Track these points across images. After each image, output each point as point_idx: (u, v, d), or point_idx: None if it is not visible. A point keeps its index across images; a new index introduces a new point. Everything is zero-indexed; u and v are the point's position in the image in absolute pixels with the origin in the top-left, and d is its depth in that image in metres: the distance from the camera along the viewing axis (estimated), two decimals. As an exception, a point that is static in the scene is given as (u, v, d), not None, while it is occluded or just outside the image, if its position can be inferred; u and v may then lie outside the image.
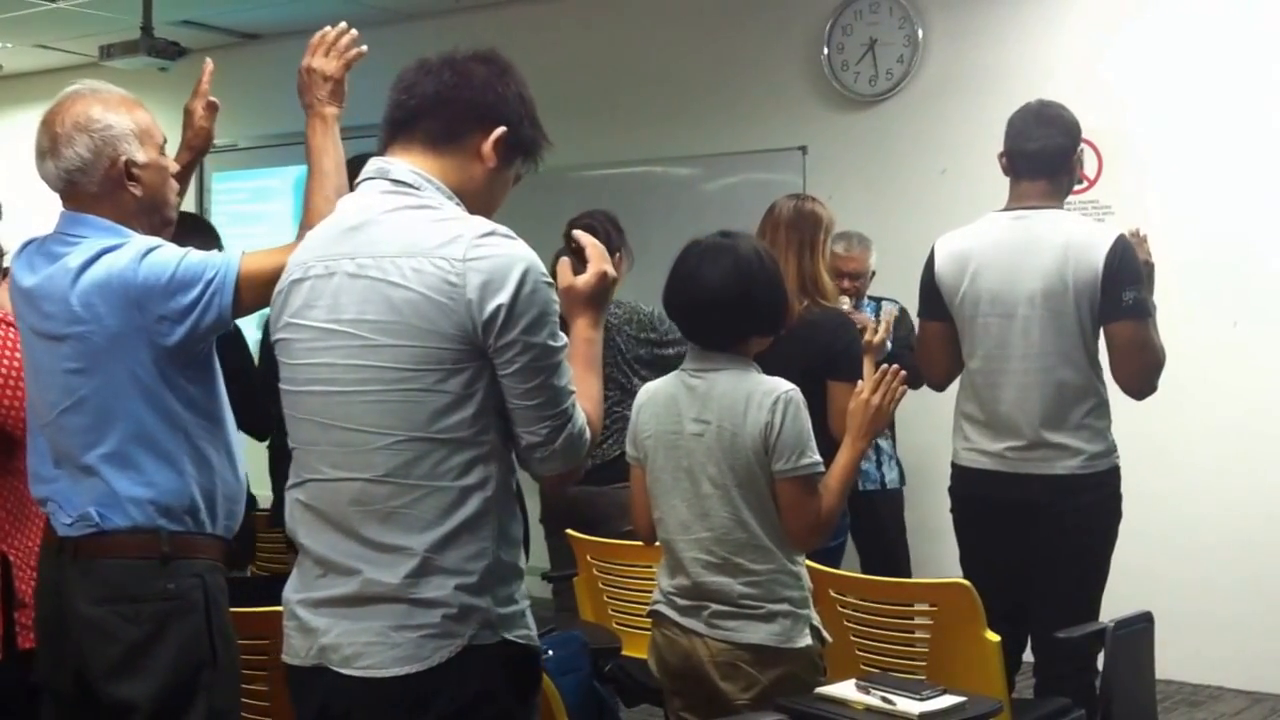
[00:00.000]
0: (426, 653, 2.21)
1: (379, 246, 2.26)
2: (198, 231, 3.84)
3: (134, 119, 2.81)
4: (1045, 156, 4.01)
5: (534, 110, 2.42)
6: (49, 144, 2.78)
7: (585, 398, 2.37)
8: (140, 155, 2.79)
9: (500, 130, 2.35)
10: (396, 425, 2.22)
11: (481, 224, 2.25)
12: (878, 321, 4.72)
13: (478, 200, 2.37)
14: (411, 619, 2.21)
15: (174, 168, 2.92)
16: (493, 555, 2.26)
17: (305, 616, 2.32)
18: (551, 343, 2.24)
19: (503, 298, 2.18)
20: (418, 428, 2.21)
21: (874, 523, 5.94)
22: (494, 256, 2.20)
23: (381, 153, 2.40)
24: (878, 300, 5.87)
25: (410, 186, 2.32)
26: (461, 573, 2.23)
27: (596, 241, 2.56)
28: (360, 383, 2.24)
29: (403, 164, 2.34)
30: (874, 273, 5.82)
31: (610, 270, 2.50)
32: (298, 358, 2.34)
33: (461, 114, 2.35)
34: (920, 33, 6.92)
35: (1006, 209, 4.06)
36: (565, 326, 2.37)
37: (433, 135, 2.35)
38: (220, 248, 3.62)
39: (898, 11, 6.98)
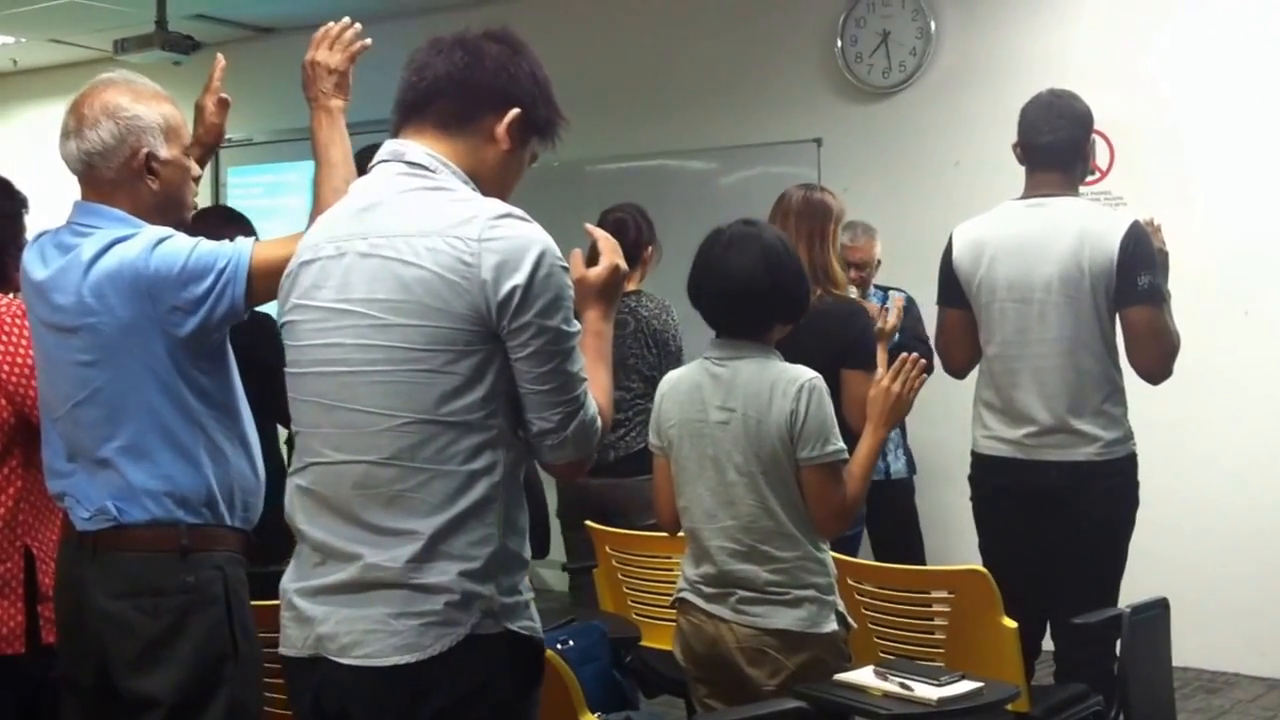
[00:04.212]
0: (427, 641, 2.16)
1: (392, 226, 2.22)
2: (233, 222, 3.86)
3: (163, 114, 2.80)
4: (1057, 148, 4.02)
5: (549, 89, 2.38)
6: (74, 125, 2.77)
7: (596, 389, 2.32)
8: (163, 151, 2.78)
9: (514, 112, 2.31)
10: (403, 407, 2.18)
11: (498, 205, 2.22)
12: (886, 310, 4.75)
13: (492, 183, 2.33)
14: (413, 605, 2.16)
15: (197, 171, 2.92)
16: (498, 542, 2.21)
17: (302, 606, 2.27)
18: (565, 327, 2.20)
19: (518, 279, 2.14)
20: (425, 410, 2.17)
21: (882, 512, 5.93)
22: (510, 238, 2.16)
23: (394, 135, 2.36)
24: (885, 290, 5.86)
25: (425, 169, 2.28)
26: (466, 558, 2.18)
27: (609, 235, 2.54)
28: (369, 363, 2.20)
29: (417, 146, 2.30)
30: (879, 261, 5.83)
31: (622, 264, 2.47)
32: (304, 339, 2.30)
33: (474, 96, 2.31)
34: (933, 25, 6.91)
35: (1022, 197, 4.07)
36: (577, 318, 2.33)
37: (445, 118, 2.31)
38: (256, 236, 3.64)
39: (910, 4, 6.97)
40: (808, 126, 7.22)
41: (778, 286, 3.20)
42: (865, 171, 6.95)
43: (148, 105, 2.79)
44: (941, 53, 6.92)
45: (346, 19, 2.92)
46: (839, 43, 7.16)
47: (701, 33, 7.60)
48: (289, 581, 2.32)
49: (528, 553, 2.31)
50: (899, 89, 7.03)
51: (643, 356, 4.87)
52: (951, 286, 4.15)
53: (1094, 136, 4.12)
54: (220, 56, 3.23)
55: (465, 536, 2.18)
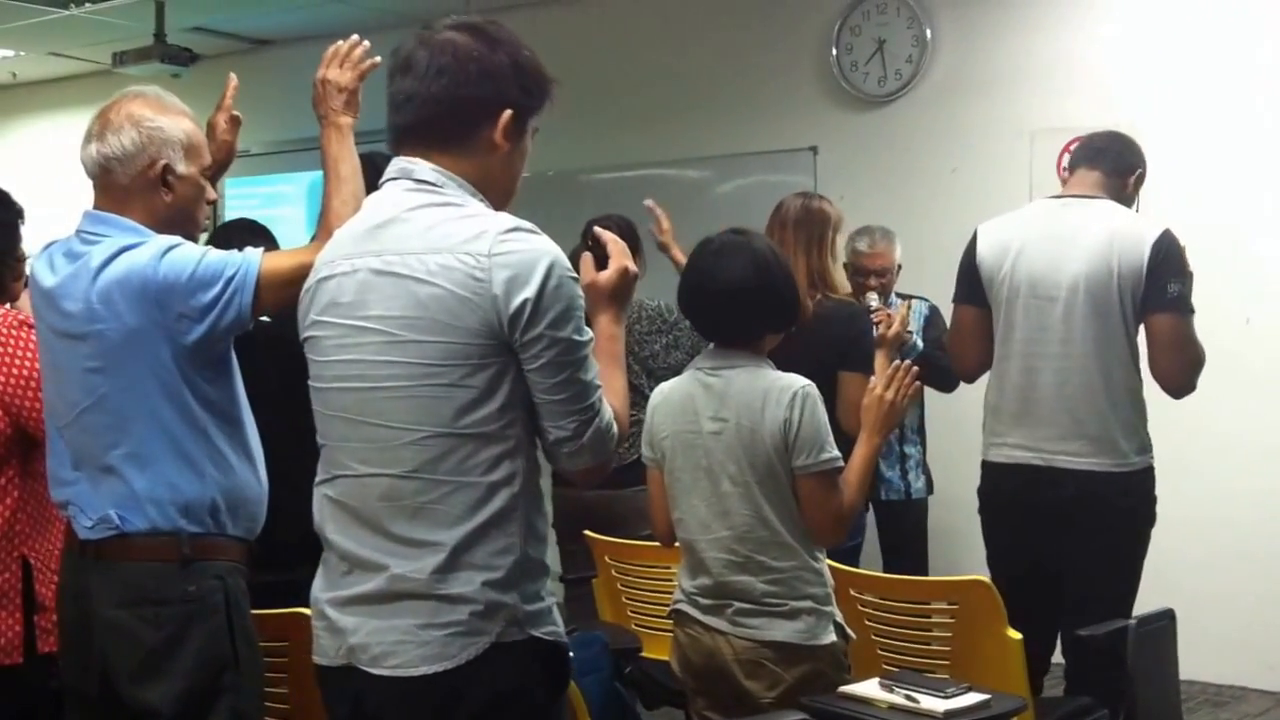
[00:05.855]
0: (454, 650, 2.21)
1: (405, 243, 2.27)
2: (256, 234, 3.90)
3: (186, 130, 2.85)
4: (1103, 159, 4.01)
5: (532, 69, 2.38)
6: (98, 129, 2.81)
7: (611, 393, 2.37)
8: (181, 166, 2.82)
9: (506, 115, 2.33)
10: (423, 420, 2.23)
11: (506, 220, 2.26)
12: (891, 314, 4.69)
13: (500, 182, 2.39)
14: (439, 616, 2.22)
15: (212, 194, 2.95)
16: (520, 551, 2.26)
17: (334, 616, 2.32)
18: (577, 337, 2.25)
19: (528, 292, 2.18)
20: (444, 423, 2.22)
21: (898, 531, 5.86)
22: (520, 251, 2.21)
23: (393, 154, 2.40)
24: (908, 298, 5.63)
25: (434, 185, 2.32)
26: (489, 568, 2.23)
27: (617, 238, 2.57)
28: (387, 379, 2.25)
29: (424, 164, 2.34)
30: (900, 266, 5.63)
31: (632, 266, 2.52)
32: (326, 354, 2.35)
33: (465, 113, 2.33)
34: (929, 33, 6.90)
35: (1056, 196, 4.04)
36: (589, 323, 2.38)
37: (443, 139, 2.34)
38: (278, 247, 3.69)
39: (906, 12, 6.96)
40: (803, 135, 7.21)
41: (768, 292, 3.18)
42: (861, 179, 6.92)
43: (172, 119, 2.84)
44: (937, 61, 6.90)
45: (355, 36, 2.97)
46: (834, 51, 7.15)
47: (696, 41, 7.59)
48: (319, 591, 2.38)
49: (549, 559, 2.36)
50: (895, 97, 7.02)
51: (628, 366, 4.84)
52: (972, 283, 4.08)
53: (1141, 173, 4.09)
54: (233, 76, 3.28)
55: (488, 546, 2.24)
